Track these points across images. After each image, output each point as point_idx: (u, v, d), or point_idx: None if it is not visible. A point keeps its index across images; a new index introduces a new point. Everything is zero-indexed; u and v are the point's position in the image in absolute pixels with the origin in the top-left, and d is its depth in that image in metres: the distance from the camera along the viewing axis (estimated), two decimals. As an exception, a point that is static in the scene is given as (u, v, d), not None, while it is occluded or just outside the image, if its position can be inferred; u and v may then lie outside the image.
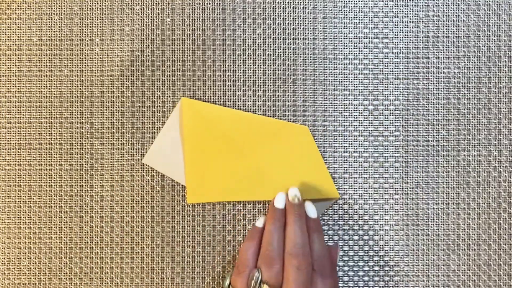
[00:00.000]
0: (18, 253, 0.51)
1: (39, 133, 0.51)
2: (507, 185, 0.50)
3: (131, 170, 0.51)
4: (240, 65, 0.51)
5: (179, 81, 0.51)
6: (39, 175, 0.51)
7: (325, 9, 0.51)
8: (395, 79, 0.51)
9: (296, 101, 0.51)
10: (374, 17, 0.51)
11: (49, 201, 0.51)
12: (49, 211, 0.51)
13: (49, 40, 0.51)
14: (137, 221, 0.51)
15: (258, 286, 0.44)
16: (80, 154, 0.51)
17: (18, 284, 0.51)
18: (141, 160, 0.51)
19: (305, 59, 0.51)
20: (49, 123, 0.51)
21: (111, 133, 0.51)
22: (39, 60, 0.51)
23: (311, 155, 0.50)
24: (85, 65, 0.51)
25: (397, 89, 0.51)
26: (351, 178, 0.51)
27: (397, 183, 0.51)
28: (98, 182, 0.51)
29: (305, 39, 0.51)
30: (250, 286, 0.44)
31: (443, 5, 0.51)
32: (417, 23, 0.51)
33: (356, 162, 0.51)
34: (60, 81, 0.51)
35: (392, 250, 0.50)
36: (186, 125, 0.50)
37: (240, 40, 0.51)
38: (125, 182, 0.51)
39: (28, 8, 0.51)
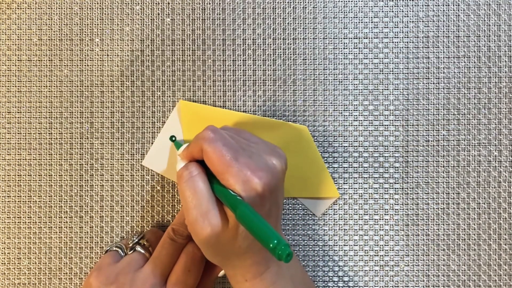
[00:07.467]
0: (18, 253, 0.51)
1: (39, 133, 0.51)
2: (507, 185, 0.50)
3: (131, 170, 0.51)
4: (240, 65, 0.51)
5: (179, 81, 0.51)
6: (39, 175, 0.51)
7: (325, 9, 0.51)
8: (395, 79, 0.51)
9: (296, 101, 0.51)
10: (374, 17, 0.51)
11: (49, 201, 0.51)
12: (49, 211, 0.51)
13: (49, 40, 0.51)
14: (137, 221, 0.51)
15: None
16: (80, 154, 0.51)
17: (18, 284, 0.51)
18: (141, 160, 0.51)
19: (305, 59, 0.51)
20: (49, 123, 0.51)
21: (111, 133, 0.51)
22: (39, 60, 0.51)
23: (311, 154, 0.50)
24: (85, 65, 0.51)
25: (397, 89, 0.51)
26: (351, 178, 0.51)
27: (397, 183, 0.51)
28: (98, 182, 0.51)
29: (305, 39, 0.51)
30: None
31: (443, 5, 0.51)
32: (417, 23, 0.51)
33: (356, 162, 0.51)
34: (60, 81, 0.51)
35: (392, 250, 0.50)
36: (184, 127, 0.50)
37: (240, 40, 0.51)
38: (125, 182, 0.51)
39: (28, 8, 0.51)
